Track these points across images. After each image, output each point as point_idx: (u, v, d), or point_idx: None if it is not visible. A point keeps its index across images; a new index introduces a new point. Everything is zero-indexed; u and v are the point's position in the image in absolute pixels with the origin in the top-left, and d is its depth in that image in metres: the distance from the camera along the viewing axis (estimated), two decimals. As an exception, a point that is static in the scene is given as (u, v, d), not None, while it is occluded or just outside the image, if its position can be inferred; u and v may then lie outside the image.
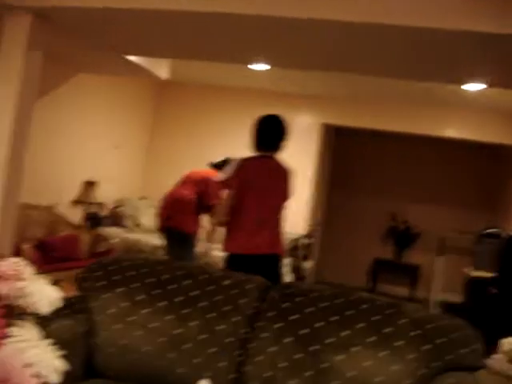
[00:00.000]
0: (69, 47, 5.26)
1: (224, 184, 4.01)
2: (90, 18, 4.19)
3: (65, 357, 2.28)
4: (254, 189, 3.93)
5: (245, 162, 4.00)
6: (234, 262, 3.89)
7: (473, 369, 2.28)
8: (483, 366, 2.36)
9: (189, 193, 5.51)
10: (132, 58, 5.55)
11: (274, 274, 3.93)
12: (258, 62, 5.23)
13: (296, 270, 6.94)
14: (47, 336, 2.12)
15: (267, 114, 4.19)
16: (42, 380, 0.84)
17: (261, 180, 3.98)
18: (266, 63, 5.30)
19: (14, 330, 0.90)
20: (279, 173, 4.11)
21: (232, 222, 3.94)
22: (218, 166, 5.44)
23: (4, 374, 0.71)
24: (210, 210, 5.31)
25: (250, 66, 5.75)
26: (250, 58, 5.15)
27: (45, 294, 0.93)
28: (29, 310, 0.93)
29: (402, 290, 9.05)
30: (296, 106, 7.85)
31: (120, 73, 6.56)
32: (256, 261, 3.82)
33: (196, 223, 5.53)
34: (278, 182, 4.08)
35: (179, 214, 5.45)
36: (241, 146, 7.23)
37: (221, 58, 5.28)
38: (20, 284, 0.93)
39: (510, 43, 3.49)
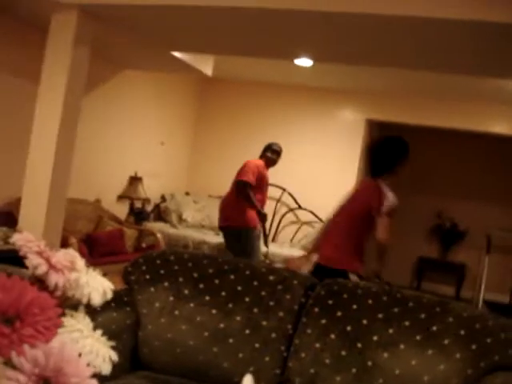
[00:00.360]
0: (115, 43, 5.33)
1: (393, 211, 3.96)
2: (135, 15, 4.24)
3: (112, 348, 2.32)
4: None
5: None
6: None
7: None
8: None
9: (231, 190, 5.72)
10: (177, 54, 5.59)
11: None
12: (301, 56, 5.21)
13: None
14: (96, 327, 2.17)
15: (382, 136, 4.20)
16: (95, 370, 0.86)
17: None
18: (309, 58, 5.27)
19: (67, 321, 0.91)
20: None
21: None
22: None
23: (58, 363, 0.73)
24: (240, 187, 5.49)
25: (293, 62, 5.74)
26: (292, 53, 5.14)
27: (98, 285, 0.95)
28: (82, 301, 0.94)
29: (448, 289, 8.91)
30: (340, 101, 7.80)
31: (166, 69, 6.63)
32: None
33: (248, 217, 5.57)
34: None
35: (230, 210, 5.61)
36: (284, 142, 7.24)
37: (264, 54, 5.28)
38: (73, 275, 0.94)
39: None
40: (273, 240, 7.84)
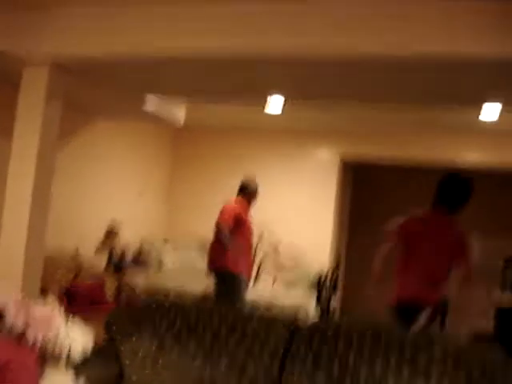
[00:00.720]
0: (86, 95, 5.36)
1: None
2: (103, 67, 4.28)
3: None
4: None
5: None
6: None
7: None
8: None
9: None
10: (148, 106, 5.66)
11: None
12: (273, 93, 5.26)
13: (323, 307, 6.87)
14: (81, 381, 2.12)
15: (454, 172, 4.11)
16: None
17: None
18: (281, 94, 5.32)
19: (48, 374, 0.90)
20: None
21: None
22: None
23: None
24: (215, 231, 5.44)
25: (265, 111, 5.82)
26: (265, 91, 5.18)
27: (78, 339, 0.94)
28: (62, 354, 0.93)
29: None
30: (313, 143, 7.86)
31: (137, 120, 6.67)
32: None
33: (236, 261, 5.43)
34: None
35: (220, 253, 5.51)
36: (260, 185, 7.28)
37: (236, 96, 5.34)
38: (53, 329, 0.93)
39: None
40: (254, 282, 7.79)
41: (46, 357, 0.92)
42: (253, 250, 5.92)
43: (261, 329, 2.47)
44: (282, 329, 2.47)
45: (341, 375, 2.26)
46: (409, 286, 3.85)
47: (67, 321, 0.99)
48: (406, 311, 3.79)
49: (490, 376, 2.20)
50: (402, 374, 2.21)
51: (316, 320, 2.64)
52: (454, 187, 3.99)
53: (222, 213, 5.49)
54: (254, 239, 5.98)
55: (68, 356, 0.95)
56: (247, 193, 5.69)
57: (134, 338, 2.55)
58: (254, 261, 5.82)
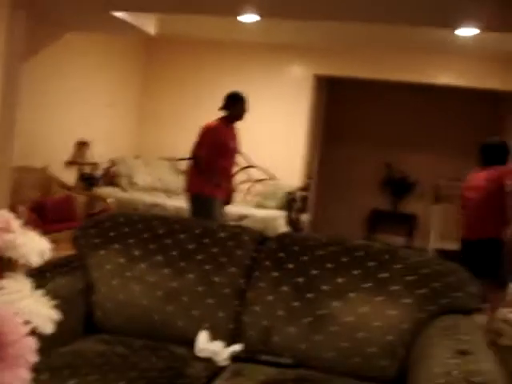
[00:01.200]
0: (53, 5, 5.16)
1: None
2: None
3: (64, 313, 2.31)
4: None
5: None
6: None
7: (469, 311, 2.31)
8: (479, 309, 2.38)
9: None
10: (119, 14, 5.45)
11: None
12: (247, 12, 5.15)
13: (293, 222, 6.97)
14: (47, 293, 2.14)
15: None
16: (35, 329, 0.84)
17: None
18: (256, 14, 5.21)
19: (4, 282, 0.89)
20: None
21: None
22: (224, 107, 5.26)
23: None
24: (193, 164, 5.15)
25: (239, 18, 5.66)
26: (239, 9, 5.07)
27: (34, 245, 0.93)
28: (19, 262, 0.92)
29: (400, 240, 9.11)
30: (287, 57, 7.77)
31: (108, 31, 6.46)
32: None
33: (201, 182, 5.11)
34: None
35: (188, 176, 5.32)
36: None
37: (209, 10, 5.19)
38: (9, 236, 0.92)
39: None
40: (226, 199, 7.84)
41: (1, 264, 0.91)
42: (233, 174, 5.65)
43: (228, 240, 2.50)
44: (249, 241, 2.50)
45: (304, 286, 2.31)
46: None
47: (24, 229, 0.97)
48: None
49: (449, 291, 2.26)
50: (364, 287, 2.27)
51: (282, 233, 2.67)
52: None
53: (197, 142, 5.13)
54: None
55: (26, 263, 0.94)
56: (233, 110, 5.23)
57: (101, 251, 2.57)
58: (234, 185, 5.53)
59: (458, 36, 5.78)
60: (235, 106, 5.24)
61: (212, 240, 2.51)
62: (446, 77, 7.46)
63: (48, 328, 0.91)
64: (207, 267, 2.44)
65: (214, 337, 2.33)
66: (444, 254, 7.67)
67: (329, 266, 2.34)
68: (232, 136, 5.33)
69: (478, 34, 5.54)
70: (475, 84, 7.32)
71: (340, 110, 9.26)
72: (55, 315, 0.93)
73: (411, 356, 2.14)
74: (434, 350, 1.99)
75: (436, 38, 6.29)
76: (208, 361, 2.24)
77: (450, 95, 8.63)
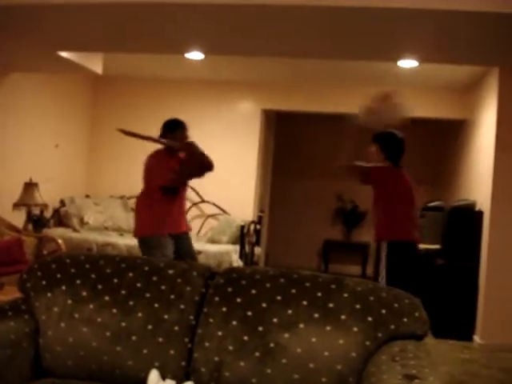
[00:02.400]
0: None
1: None
2: (17, 15, 4.10)
3: (11, 358, 2.26)
4: None
5: None
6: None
7: (417, 336, 2.34)
8: (426, 334, 2.41)
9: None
10: (65, 54, 5.45)
11: None
12: (192, 50, 5.21)
13: (246, 256, 6.97)
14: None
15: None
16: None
17: None
18: (201, 51, 5.28)
19: None
20: None
21: None
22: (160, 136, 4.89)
23: None
24: (166, 191, 4.71)
25: (185, 56, 5.72)
26: (184, 47, 5.13)
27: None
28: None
29: (354, 269, 9.19)
30: (235, 93, 7.85)
31: (55, 70, 6.44)
32: None
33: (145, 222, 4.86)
34: None
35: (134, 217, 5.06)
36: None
37: (155, 49, 5.24)
38: None
39: (440, 18, 3.58)
40: (179, 236, 7.81)
41: None
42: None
43: (176, 277, 2.49)
44: (197, 277, 2.50)
45: (254, 320, 2.31)
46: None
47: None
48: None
49: (396, 317, 2.30)
50: (313, 317, 2.29)
51: (230, 267, 2.68)
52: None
53: (149, 169, 4.83)
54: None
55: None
56: (171, 135, 4.83)
57: (48, 294, 2.53)
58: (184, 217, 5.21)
59: (399, 68, 5.96)
60: (173, 133, 4.84)
61: (160, 278, 2.50)
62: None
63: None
64: (156, 305, 2.42)
65: (165, 375, 2.31)
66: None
67: (278, 298, 2.35)
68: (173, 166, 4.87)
69: (417, 66, 5.74)
70: (419, 113, 7.51)
71: (289, 143, 9.39)
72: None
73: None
74: (382, 377, 2.01)
75: (378, 70, 6.47)
76: None
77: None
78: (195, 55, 5.59)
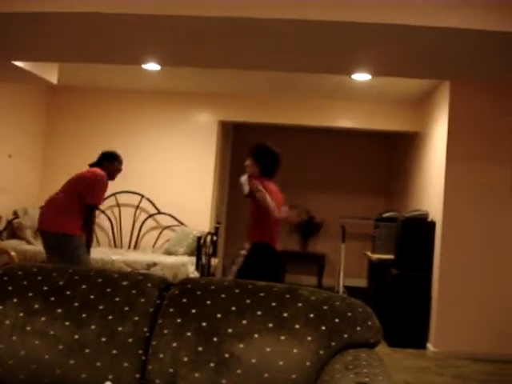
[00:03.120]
0: None
1: None
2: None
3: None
4: None
5: None
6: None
7: (370, 345, 2.38)
8: (379, 342, 2.45)
9: (63, 194, 5.25)
10: (20, 64, 5.38)
11: None
12: (149, 61, 5.21)
13: (203, 267, 6.96)
14: None
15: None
16: None
17: None
18: (157, 63, 5.28)
19: None
20: None
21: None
22: (96, 163, 5.33)
23: None
24: (91, 210, 5.16)
25: (142, 66, 5.71)
26: (140, 59, 5.12)
27: None
28: None
29: (310, 279, 9.26)
30: (192, 104, 7.85)
31: (9, 80, 6.34)
32: None
33: (73, 224, 5.15)
34: None
35: (53, 215, 5.18)
36: (139, 147, 7.19)
37: (110, 59, 5.22)
38: None
39: (392, 32, 3.66)
40: (135, 247, 7.76)
41: None
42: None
43: (130, 289, 2.48)
44: (152, 288, 2.49)
45: (209, 331, 2.32)
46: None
47: None
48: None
49: (350, 325, 2.34)
50: (267, 327, 2.30)
51: (185, 278, 2.68)
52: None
53: (97, 190, 5.17)
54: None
55: None
56: (106, 168, 5.28)
57: (0, 306, 2.49)
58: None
59: (353, 81, 6.07)
60: (108, 165, 5.30)
61: (114, 289, 2.48)
62: (345, 120, 7.75)
63: None
64: (110, 317, 2.40)
65: (118, 387, 2.30)
66: (353, 290, 7.86)
67: (232, 308, 2.36)
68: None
69: (371, 80, 5.84)
70: (371, 126, 7.65)
71: (246, 153, 9.41)
72: None
73: None
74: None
75: (332, 83, 6.57)
76: None
77: (349, 137, 8.97)
78: (152, 66, 5.58)
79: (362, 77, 5.59)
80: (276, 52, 4.42)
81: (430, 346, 5.90)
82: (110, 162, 5.31)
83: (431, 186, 6.45)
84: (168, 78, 6.88)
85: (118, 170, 5.39)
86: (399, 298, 6.10)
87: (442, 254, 5.87)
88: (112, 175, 5.34)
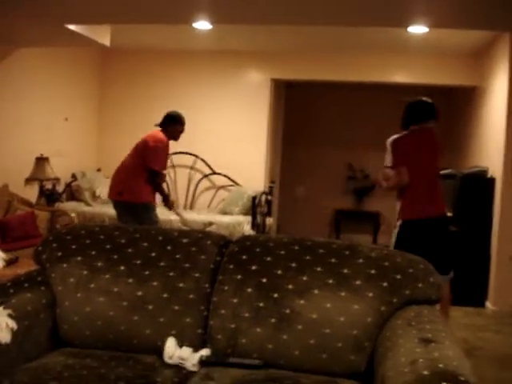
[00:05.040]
0: (5, 22, 5.11)
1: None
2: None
3: (29, 328, 2.29)
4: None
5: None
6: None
7: (431, 301, 2.35)
8: (440, 299, 2.42)
9: (131, 159, 5.32)
10: (73, 27, 5.41)
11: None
12: (199, 20, 5.16)
13: (258, 226, 6.99)
14: (11, 309, 2.12)
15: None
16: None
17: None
18: (209, 21, 5.23)
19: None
20: None
21: None
22: (160, 124, 5.33)
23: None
24: (153, 175, 5.18)
25: (193, 26, 5.67)
26: (191, 17, 5.08)
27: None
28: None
29: (366, 238, 9.20)
30: (244, 63, 7.79)
31: (61, 43, 6.39)
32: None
33: (144, 191, 5.21)
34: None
35: (125, 183, 5.24)
36: (192, 108, 7.18)
37: (160, 19, 5.19)
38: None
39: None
40: (190, 207, 7.84)
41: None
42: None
43: (190, 246, 2.51)
44: (212, 245, 2.51)
45: (269, 286, 2.33)
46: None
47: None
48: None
49: (411, 282, 2.31)
50: (327, 283, 2.30)
51: (243, 236, 2.69)
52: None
53: (157, 155, 5.19)
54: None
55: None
56: (168, 130, 5.28)
57: (64, 265, 2.55)
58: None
59: (409, 34, 5.89)
60: (171, 126, 5.28)
61: (174, 247, 2.51)
62: (400, 75, 7.57)
63: (5, 337, 0.91)
64: (171, 274, 2.44)
65: (182, 343, 2.34)
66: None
67: (292, 265, 2.36)
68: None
69: (427, 32, 5.66)
70: (428, 80, 7.44)
71: (299, 112, 9.34)
72: (12, 323, 0.94)
73: (377, 349, 2.17)
74: (398, 341, 2.03)
75: (387, 38, 6.40)
76: (177, 367, 2.25)
77: (406, 94, 8.74)
78: (203, 25, 5.54)
79: (418, 29, 5.41)
80: (330, 4, 4.32)
81: (488, 304, 5.81)
82: (173, 124, 5.30)
83: (491, 142, 6.26)
84: (219, 36, 6.82)
85: (181, 131, 5.36)
86: (458, 256, 6.00)
87: (502, 210, 5.72)
88: (175, 137, 5.34)
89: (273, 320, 2.28)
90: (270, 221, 7.75)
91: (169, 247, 2.51)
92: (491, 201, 5.92)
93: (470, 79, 7.18)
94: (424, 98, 4.50)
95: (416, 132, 4.34)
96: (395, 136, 4.41)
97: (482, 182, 6.03)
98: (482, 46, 6.64)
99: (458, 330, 4.94)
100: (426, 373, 1.70)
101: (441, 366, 1.73)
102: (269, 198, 7.72)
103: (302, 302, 2.28)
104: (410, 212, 4.24)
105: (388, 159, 4.38)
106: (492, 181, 5.93)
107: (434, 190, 4.30)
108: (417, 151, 4.27)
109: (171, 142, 5.40)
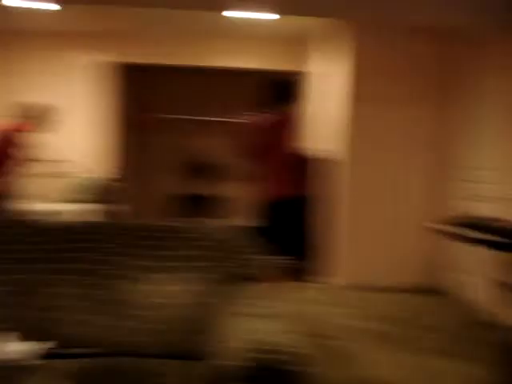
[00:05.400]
0: None
1: None
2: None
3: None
4: None
5: None
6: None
7: (249, 278, 2.52)
8: (255, 275, 2.55)
9: None
10: None
11: None
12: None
13: (110, 214, 6.94)
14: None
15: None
16: None
17: None
18: (54, 2, 5.13)
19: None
20: None
21: None
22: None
23: None
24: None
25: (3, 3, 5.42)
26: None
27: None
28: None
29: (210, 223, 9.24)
30: (84, 45, 7.58)
31: None
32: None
33: None
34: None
35: None
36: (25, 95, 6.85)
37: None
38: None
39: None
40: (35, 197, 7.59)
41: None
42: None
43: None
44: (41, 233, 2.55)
45: (105, 274, 2.46)
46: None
47: None
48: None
49: (229, 259, 2.50)
50: (143, 265, 2.44)
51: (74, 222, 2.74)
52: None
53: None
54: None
55: None
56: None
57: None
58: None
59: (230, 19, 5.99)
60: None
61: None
62: (237, 60, 7.75)
63: None
64: (9, 265, 2.46)
65: (22, 337, 2.37)
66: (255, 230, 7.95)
67: (115, 249, 2.48)
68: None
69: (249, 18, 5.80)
70: (263, 66, 7.69)
71: (138, 96, 9.24)
72: None
73: (205, 327, 2.34)
74: (225, 318, 2.25)
75: (224, 22, 6.51)
76: (19, 361, 2.26)
77: (236, 77, 8.87)
78: (46, 5, 5.41)
79: (237, 14, 5.45)
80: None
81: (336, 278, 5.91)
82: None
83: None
84: (60, 18, 6.55)
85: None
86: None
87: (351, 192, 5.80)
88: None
89: (111, 308, 2.39)
90: (120, 208, 7.71)
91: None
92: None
93: (296, 65, 7.46)
94: (281, 80, 4.57)
95: (270, 115, 4.41)
96: (251, 117, 4.38)
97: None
98: (303, 32, 6.95)
99: (294, 304, 4.97)
100: (248, 346, 1.90)
101: (257, 337, 1.95)
102: (119, 184, 7.67)
103: (135, 286, 2.42)
104: (265, 193, 4.30)
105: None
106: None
107: (285, 172, 4.37)
108: (268, 134, 4.34)
109: None
